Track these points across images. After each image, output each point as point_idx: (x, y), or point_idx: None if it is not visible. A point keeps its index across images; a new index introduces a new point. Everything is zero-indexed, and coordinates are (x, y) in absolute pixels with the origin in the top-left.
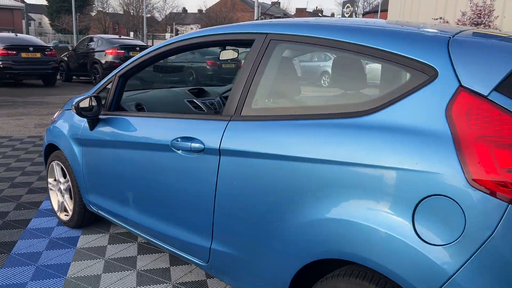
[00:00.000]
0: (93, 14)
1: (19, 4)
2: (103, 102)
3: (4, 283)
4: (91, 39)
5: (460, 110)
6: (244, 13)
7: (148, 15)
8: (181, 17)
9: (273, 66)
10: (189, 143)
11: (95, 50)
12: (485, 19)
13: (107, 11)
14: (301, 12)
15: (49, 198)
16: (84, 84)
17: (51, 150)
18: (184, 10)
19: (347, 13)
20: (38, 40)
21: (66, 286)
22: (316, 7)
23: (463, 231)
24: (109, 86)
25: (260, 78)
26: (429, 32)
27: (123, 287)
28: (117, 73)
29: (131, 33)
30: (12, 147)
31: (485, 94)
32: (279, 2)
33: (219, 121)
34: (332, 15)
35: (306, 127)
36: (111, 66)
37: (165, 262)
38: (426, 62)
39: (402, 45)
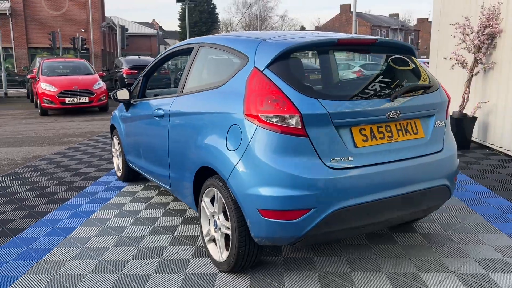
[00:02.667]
0: None
1: (154, 31)
2: (134, 93)
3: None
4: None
5: (250, 79)
6: (359, 27)
7: None
8: None
9: (200, 62)
10: (158, 111)
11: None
12: (493, 22)
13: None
14: (422, 22)
15: (113, 162)
16: None
17: (113, 129)
18: (302, 28)
19: None
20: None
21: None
22: None
23: (240, 142)
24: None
25: (193, 69)
26: (259, 37)
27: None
28: (143, 74)
29: None
30: None
31: (261, 69)
32: (398, 14)
33: (172, 97)
34: None
35: (200, 95)
36: None
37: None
38: (245, 53)
39: (239, 44)
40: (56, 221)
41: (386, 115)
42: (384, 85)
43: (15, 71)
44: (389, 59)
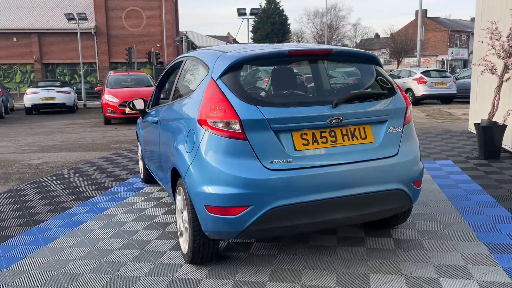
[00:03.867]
0: None
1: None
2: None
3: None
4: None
5: (206, 88)
6: (436, 32)
7: (339, 44)
8: (372, 43)
9: (184, 73)
10: (154, 118)
11: None
12: None
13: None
14: None
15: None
16: None
17: (138, 135)
18: (377, 35)
19: None
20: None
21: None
22: None
23: (193, 145)
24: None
25: (179, 80)
26: (223, 50)
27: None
28: (156, 85)
29: None
30: None
31: (215, 79)
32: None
33: (164, 105)
34: None
35: (177, 103)
36: None
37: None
38: (208, 65)
39: (206, 57)
40: (73, 215)
41: (328, 121)
42: (329, 92)
43: (97, 84)
44: (343, 67)
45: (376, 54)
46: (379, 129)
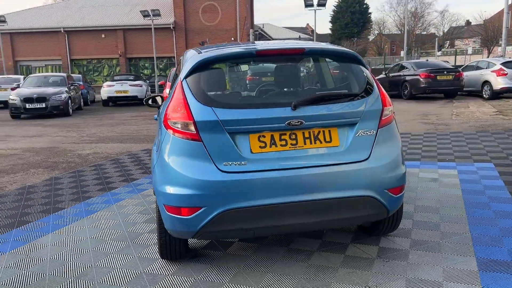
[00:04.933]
0: (369, 37)
1: (303, 36)
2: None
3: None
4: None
5: (175, 88)
6: None
7: (424, 32)
8: (461, 31)
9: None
10: (156, 115)
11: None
12: None
13: (383, 33)
14: None
15: None
16: None
17: None
18: (468, 22)
19: None
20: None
21: None
22: None
23: (159, 144)
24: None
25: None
26: (201, 50)
27: None
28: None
29: (402, 52)
30: None
31: (182, 80)
32: None
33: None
34: None
35: (164, 102)
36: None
37: None
38: (183, 65)
39: (186, 56)
40: (88, 205)
41: (286, 123)
42: (293, 94)
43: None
44: (311, 66)
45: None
46: (347, 132)
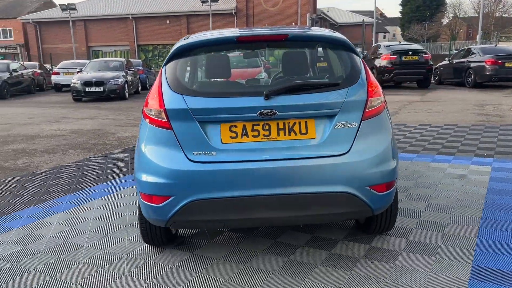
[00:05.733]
0: (443, 21)
1: (368, 20)
2: None
3: None
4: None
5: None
6: None
7: (505, 15)
8: None
9: None
10: None
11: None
12: None
13: (459, 16)
14: None
15: None
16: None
17: None
18: None
19: None
20: (418, 46)
21: None
22: None
23: (140, 132)
24: None
25: None
26: (187, 37)
27: None
28: None
29: (477, 36)
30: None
31: (163, 67)
32: None
33: None
34: None
35: None
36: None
37: None
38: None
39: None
40: (106, 186)
41: (258, 113)
42: (264, 82)
43: None
44: (288, 54)
45: (344, 37)
46: (325, 124)
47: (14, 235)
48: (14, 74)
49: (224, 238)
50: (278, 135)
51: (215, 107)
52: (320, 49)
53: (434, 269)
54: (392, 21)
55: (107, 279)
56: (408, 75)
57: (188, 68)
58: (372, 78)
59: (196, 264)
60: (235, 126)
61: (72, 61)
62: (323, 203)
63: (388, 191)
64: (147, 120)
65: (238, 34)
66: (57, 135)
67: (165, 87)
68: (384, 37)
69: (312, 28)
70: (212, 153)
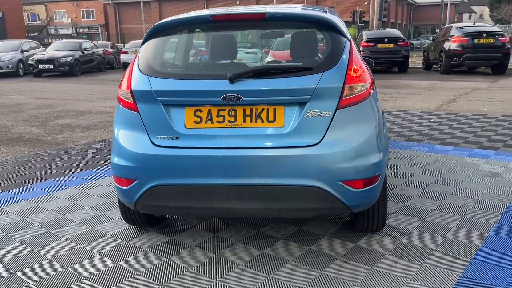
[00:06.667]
0: None
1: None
2: None
3: None
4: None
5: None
6: None
7: None
8: None
9: None
10: None
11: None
12: None
13: None
14: None
15: None
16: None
17: None
18: None
19: None
20: (397, 33)
21: None
22: None
23: (117, 115)
24: None
25: None
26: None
27: None
28: None
29: None
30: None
31: (139, 48)
32: None
33: None
34: None
35: None
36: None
37: None
38: None
39: None
40: None
41: (221, 97)
42: (234, 65)
43: None
44: (263, 35)
45: (331, 17)
46: (295, 112)
47: (20, 207)
48: (85, 52)
49: (208, 225)
50: (244, 122)
51: (178, 89)
52: (305, 30)
53: (413, 278)
54: (479, 0)
55: (80, 257)
56: (480, 59)
57: (158, 49)
58: (357, 62)
59: (166, 250)
60: (200, 111)
61: (140, 40)
62: (290, 197)
63: (367, 188)
64: (119, 101)
65: (213, 13)
66: (105, 112)
67: (135, 68)
68: (470, 17)
69: (299, 6)
70: (175, 137)
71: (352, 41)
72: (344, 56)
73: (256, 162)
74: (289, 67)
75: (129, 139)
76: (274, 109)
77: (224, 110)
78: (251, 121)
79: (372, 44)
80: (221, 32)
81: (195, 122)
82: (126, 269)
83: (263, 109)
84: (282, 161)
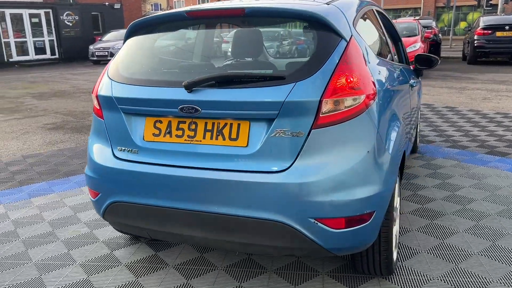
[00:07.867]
0: None
1: None
2: None
3: None
4: None
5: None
6: None
7: None
8: None
9: None
10: None
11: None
12: None
13: None
14: None
15: None
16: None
17: None
18: None
19: None
20: None
21: None
22: None
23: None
24: None
25: None
26: None
27: None
28: None
29: None
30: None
31: None
32: None
33: None
34: None
35: None
36: None
37: None
38: None
39: None
40: None
41: (179, 108)
42: (196, 70)
43: None
44: (236, 34)
45: (319, 12)
46: (261, 129)
47: (47, 199)
48: None
49: None
50: (204, 138)
51: (135, 97)
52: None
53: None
54: None
55: (60, 264)
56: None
57: (130, 51)
58: (350, 68)
59: (141, 267)
60: (160, 122)
61: None
62: (251, 231)
63: (352, 229)
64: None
65: (189, 9)
66: None
67: (106, 71)
68: None
69: (280, 1)
70: (134, 150)
71: (354, 40)
72: (331, 60)
73: (213, 186)
74: (257, 75)
75: (95, 148)
76: (238, 125)
77: (184, 122)
78: (211, 138)
79: (490, 32)
80: (201, 30)
81: (153, 134)
82: (96, 282)
83: (226, 124)
84: (242, 188)
